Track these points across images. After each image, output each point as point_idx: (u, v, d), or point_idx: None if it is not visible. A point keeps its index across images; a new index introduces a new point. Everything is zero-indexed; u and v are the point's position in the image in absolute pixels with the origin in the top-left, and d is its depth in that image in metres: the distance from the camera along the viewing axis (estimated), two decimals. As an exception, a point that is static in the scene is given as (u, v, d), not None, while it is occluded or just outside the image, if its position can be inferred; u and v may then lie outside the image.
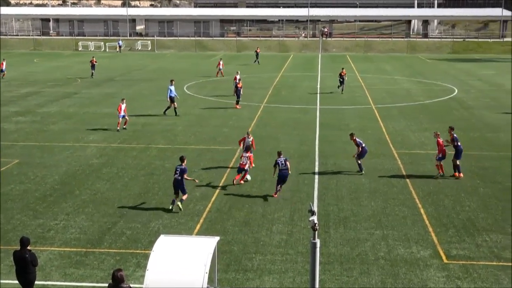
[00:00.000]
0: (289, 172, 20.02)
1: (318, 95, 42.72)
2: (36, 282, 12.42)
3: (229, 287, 13.67)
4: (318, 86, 47.22)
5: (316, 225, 9.60)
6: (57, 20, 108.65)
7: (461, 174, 22.05)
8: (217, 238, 11.36)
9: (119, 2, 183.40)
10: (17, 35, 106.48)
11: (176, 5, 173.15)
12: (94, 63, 52.68)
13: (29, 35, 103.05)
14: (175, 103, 33.79)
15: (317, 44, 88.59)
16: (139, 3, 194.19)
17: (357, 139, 22.38)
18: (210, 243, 10.99)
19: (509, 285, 13.82)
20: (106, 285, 11.76)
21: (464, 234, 16.66)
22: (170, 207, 18.38)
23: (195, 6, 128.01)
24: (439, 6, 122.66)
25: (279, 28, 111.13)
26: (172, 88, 33.80)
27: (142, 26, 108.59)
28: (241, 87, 37.01)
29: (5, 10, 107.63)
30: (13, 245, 14.89)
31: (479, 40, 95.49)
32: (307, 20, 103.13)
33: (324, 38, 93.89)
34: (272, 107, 37.27)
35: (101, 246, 15.65)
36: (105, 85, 47.49)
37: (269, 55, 72.63)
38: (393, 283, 13.84)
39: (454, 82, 50.25)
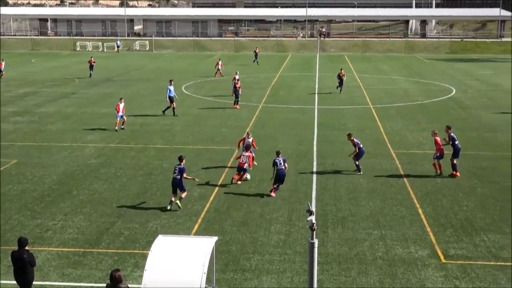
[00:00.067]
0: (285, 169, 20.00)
1: (316, 95, 42.69)
2: (34, 283, 12.37)
3: (227, 287, 13.65)
4: (316, 86, 47.22)
5: (314, 225, 9.58)
6: (55, 20, 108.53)
7: (458, 173, 22.07)
8: (215, 238, 11.35)
9: (117, 2, 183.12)
10: (15, 35, 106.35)
11: (174, 5, 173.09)
12: (93, 63, 52.58)
13: (27, 35, 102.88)
14: (174, 103, 33.76)
15: (315, 44, 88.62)
16: (137, 3, 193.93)
17: (354, 140, 22.38)
18: (208, 243, 10.96)
19: (507, 285, 13.81)
20: (104, 285, 11.74)
21: (462, 234, 16.65)
22: (168, 207, 18.36)
23: (193, 6, 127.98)
24: (437, 6, 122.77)
25: (277, 28, 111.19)
26: (171, 88, 33.79)
27: (140, 26, 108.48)
28: (239, 87, 36.98)
29: (3, 10, 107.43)
30: (11, 245, 14.81)
31: (477, 40, 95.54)
32: (305, 20, 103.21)
33: (322, 38, 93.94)
34: (270, 107, 37.25)
35: (99, 246, 15.61)
36: (103, 85, 47.43)
37: (267, 55, 72.62)
38: (391, 283, 13.82)
39: (452, 82, 50.27)
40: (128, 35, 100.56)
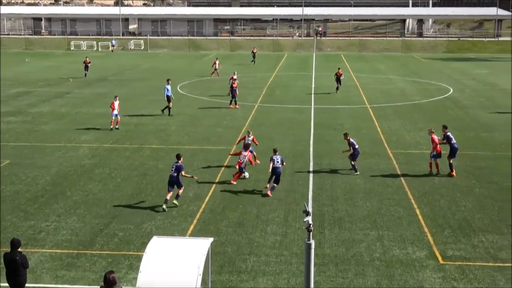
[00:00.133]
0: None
1: (312, 94, 42.59)
2: (27, 285, 12.28)
3: (223, 289, 13.55)
4: (313, 86, 47.15)
5: (311, 225, 9.54)
6: (49, 19, 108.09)
7: (454, 173, 22.02)
8: (210, 239, 11.28)
9: (112, 1, 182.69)
10: (9, 35, 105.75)
11: (169, 4, 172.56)
12: (88, 63, 52.19)
13: (20, 35, 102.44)
14: (170, 102, 33.60)
15: (311, 43, 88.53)
16: (132, 2, 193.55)
17: (350, 139, 22.35)
18: (203, 244, 10.92)
19: (506, 286, 13.74)
20: (98, 287, 11.65)
21: (460, 235, 16.59)
22: (164, 207, 18.24)
23: (188, 5, 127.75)
24: (434, 5, 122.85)
25: (273, 27, 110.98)
26: (169, 87, 33.69)
27: (135, 25, 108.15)
28: (236, 87, 36.79)
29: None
30: (4, 247, 14.66)
31: (474, 39, 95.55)
32: (301, 19, 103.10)
33: (318, 37, 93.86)
34: (266, 107, 37.15)
35: (93, 248, 15.51)
36: (98, 85, 47.24)
37: (263, 55, 72.53)
38: (389, 284, 13.75)
39: (449, 81, 50.28)
40: (123, 35, 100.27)
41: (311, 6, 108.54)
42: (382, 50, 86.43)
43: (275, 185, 19.95)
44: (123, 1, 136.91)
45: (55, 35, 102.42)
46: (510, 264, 14.73)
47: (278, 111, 35.64)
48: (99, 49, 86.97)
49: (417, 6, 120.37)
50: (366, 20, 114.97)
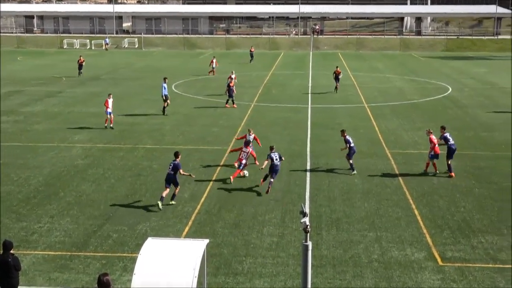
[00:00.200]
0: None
1: (309, 93, 42.44)
2: (19, 287, 12.14)
3: (219, 292, 13.48)
4: (310, 85, 47.01)
5: (308, 227, 9.51)
6: (42, 17, 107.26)
7: (453, 174, 21.94)
8: (206, 241, 11.23)
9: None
10: (0, 33, 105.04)
11: (163, 2, 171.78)
12: (82, 62, 51.79)
13: (12, 33, 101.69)
14: (167, 102, 33.42)
15: (308, 41, 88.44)
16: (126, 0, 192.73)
17: (347, 137, 22.43)
18: (199, 246, 10.88)
19: (506, 288, 13.67)
20: (91, 290, 11.52)
21: (460, 236, 16.54)
22: (159, 205, 18.21)
23: (183, 3, 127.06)
24: (432, 2, 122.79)
25: (269, 25, 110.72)
26: (166, 86, 33.53)
27: (129, 23, 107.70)
28: (233, 86, 36.55)
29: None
30: (-5, 249, 14.49)
31: (473, 37, 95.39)
32: (298, 17, 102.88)
33: (315, 36, 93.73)
34: (262, 106, 37.01)
35: (87, 250, 15.43)
36: (91, 84, 46.97)
37: (259, 53, 72.33)
38: (387, 286, 13.71)
39: (448, 80, 50.24)
40: (117, 33, 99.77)
41: (308, 3, 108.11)
42: (380, 49, 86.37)
43: (272, 180, 20.05)
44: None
45: (47, 33, 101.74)
46: (510, 266, 14.70)
47: (275, 111, 35.51)
48: (92, 48, 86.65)
49: (416, 3, 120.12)
50: (364, 18, 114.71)
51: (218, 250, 15.37)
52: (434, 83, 48.92)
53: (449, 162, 21.96)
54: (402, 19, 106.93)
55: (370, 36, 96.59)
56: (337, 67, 44.54)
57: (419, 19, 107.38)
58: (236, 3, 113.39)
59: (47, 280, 13.73)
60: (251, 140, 22.50)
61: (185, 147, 26.05)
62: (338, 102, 38.66)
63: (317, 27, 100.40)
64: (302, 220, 9.50)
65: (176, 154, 18.68)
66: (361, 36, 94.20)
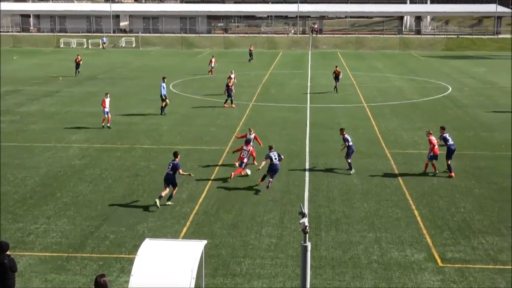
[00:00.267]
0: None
1: (308, 93, 42.34)
2: (15, 289, 12.09)
3: (217, 293, 13.43)
4: (309, 84, 46.92)
5: (307, 227, 9.49)
6: (38, 16, 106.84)
7: (453, 174, 21.90)
8: (204, 242, 11.19)
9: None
10: (0, 31, 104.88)
11: (161, 1, 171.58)
12: (79, 61, 51.55)
13: (8, 32, 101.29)
14: (165, 101, 33.33)
15: (307, 41, 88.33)
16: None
17: (345, 135, 22.45)
18: (197, 247, 10.85)
19: (507, 289, 13.63)
20: (88, 292, 11.49)
21: (460, 237, 16.48)
22: (157, 203, 18.18)
23: (181, 2, 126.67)
24: (432, 1, 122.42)
25: (267, 24, 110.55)
26: (165, 85, 33.43)
27: (126, 22, 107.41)
28: (231, 86, 36.42)
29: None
30: (-9, 250, 14.38)
31: (473, 36, 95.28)
32: (296, 16, 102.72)
33: (314, 35, 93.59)
34: (261, 106, 36.92)
35: (84, 251, 15.36)
36: (88, 84, 46.80)
37: (257, 52, 72.19)
38: (387, 287, 13.65)
39: (448, 80, 50.18)
40: (114, 32, 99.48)
41: (307, 2, 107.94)
42: (379, 48, 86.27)
43: (271, 179, 20.07)
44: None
45: (44, 32, 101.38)
46: (510, 267, 14.66)
47: (273, 110, 35.42)
48: (89, 47, 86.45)
49: (415, 2, 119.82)
50: (363, 17, 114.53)
51: (216, 251, 15.29)
52: (433, 82, 48.86)
53: (449, 162, 21.92)
54: (401, 18, 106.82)
55: (370, 35, 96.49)
56: (336, 66, 44.39)
57: (418, 18, 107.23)
58: (235, 2, 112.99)
59: (43, 281, 13.64)
60: (252, 139, 22.58)
61: (183, 147, 25.92)
62: (337, 102, 38.57)
63: (316, 26, 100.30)
64: (301, 221, 9.48)
65: (175, 154, 18.65)
66: (360, 35, 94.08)
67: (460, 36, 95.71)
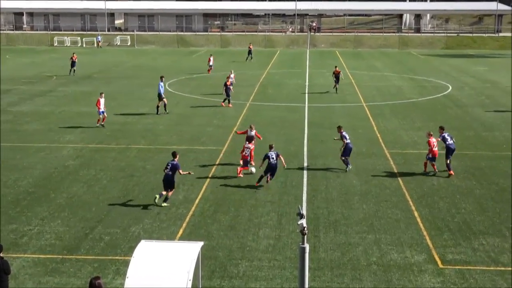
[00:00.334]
0: (284, 164, 20.56)
1: (306, 93, 42.22)
2: (9, 291, 12.02)
3: (214, 296, 13.37)
4: (307, 84, 46.82)
5: (305, 229, 9.47)
6: (31, 14, 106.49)
7: (452, 172, 21.87)
8: (201, 243, 11.15)
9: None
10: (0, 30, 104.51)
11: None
12: (74, 60, 51.32)
13: (0, 30, 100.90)
14: (162, 101, 33.23)
15: (305, 39, 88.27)
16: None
17: (343, 133, 22.51)
18: (193, 248, 10.81)
19: (508, 291, 13.60)
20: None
21: (460, 238, 16.41)
22: (156, 199, 18.24)
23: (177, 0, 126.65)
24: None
25: (265, 22, 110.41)
26: (162, 84, 33.34)
27: (121, 20, 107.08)
28: (229, 85, 36.24)
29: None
30: (-16, 253, 14.26)
31: (474, 35, 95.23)
32: (294, 14, 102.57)
33: (312, 33, 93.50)
34: (258, 105, 36.83)
35: (78, 253, 15.30)
36: (83, 83, 46.65)
37: (254, 51, 72.01)
38: None
39: (448, 79, 50.20)
40: (109, 30, 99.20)
41: (305, 0, 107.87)
42: (379, 46, 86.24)
43: (270, 178, 20.21)
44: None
45: (37, 30, 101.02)
46: (511, 268, 14.56)
47: (271, 110, 35.32)
48: (84, 45, 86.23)
49: (415, 0, 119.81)
50: (362, 15, 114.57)
51: (213, 252, 15.21)
52: (433, 81, 48.83)
53: (448, 161, 21.88)
54: (401, 16, 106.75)
55: (368, 34, 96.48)
56: (335, 66, 44.23)
57: (418, 16, 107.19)
58: (231, 0, 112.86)
59: (37, 284, 13.56)
60: (254, 136, 22.76)
61: (180, 147, 25.72)
62: (335, 101, 38.47)
63: (314, 24, 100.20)
64: (299, 222, 9.44)
65: (174, 154, 18.59)
66: (359, 34, 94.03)
67: (460, 34, 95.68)
